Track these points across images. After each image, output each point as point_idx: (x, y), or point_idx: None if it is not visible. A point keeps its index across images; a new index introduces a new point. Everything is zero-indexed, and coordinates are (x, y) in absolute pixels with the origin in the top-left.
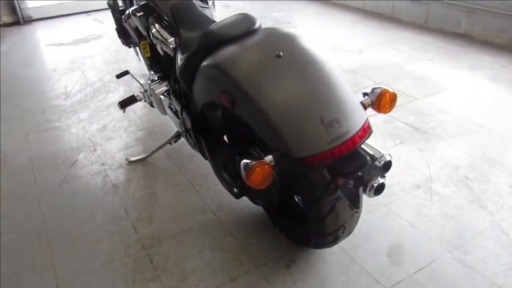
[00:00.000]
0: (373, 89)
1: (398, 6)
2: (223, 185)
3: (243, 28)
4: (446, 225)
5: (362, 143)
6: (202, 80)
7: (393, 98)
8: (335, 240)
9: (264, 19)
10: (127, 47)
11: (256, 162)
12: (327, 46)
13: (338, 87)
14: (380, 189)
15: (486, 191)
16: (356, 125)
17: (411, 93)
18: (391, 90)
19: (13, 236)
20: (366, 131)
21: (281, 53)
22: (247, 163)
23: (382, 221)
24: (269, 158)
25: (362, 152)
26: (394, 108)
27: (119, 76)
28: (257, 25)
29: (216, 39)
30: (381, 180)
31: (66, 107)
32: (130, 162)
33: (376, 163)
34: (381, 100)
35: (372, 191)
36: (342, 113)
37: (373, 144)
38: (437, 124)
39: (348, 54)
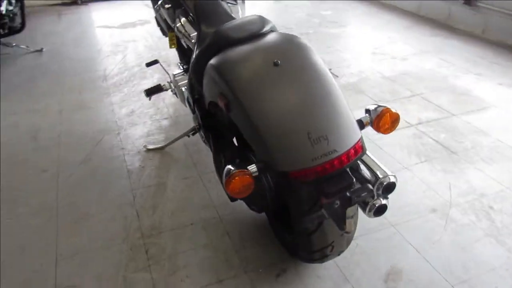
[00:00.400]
0: (376, 107)
1: (456, 13)
2: (222, 185)
3: (252, 30)
4: (455, 256)
5: (351, 164)
6: (207, 79)
7: (395, 119)
8: (323, 257)
9: (311, 16)
10: (165, 36)
11: (238, 170)
12: (369, 50)
13: (333, 102)
14: (380, 210)
15: (509, 226)
16: (346, 144)
17: (448, 109)
18: (394, 110)
19: (26, 209)
20: (357, 151)
21: (279, 61)
22: (229, 169)
23: (386, 242)
24: (252, 167)
25: (350, 172)
26: (426, 122)
27: (148, 64)
28: (266, 29)
29: (224, 39)
30: (383, 201)
31: (102, 89)
32: (148, 150)
33: (369, 185)
34: (381, 120)
35: (372, 212)
36: (331, 130)
37: (385, 161)
38: (470, 145)
39: (390, 61)
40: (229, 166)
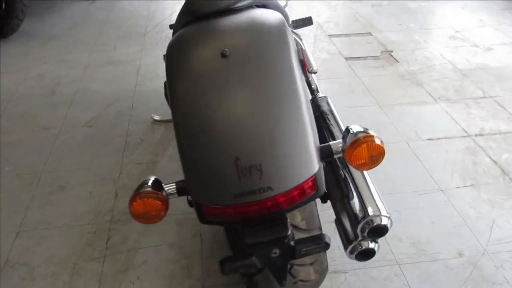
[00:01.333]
0: (358, 130)
1: None
2: None
3: (224, 4)
4: None
5: (292, 209)
6: None
7: (377, 154)
8: None
9: None
10: None
11: (150, 190)
12: (447, 33)
13: (284, 117)
14: (366, 255)
15: None
16: (288, 181)
17: None
18: (378, 141)
19: (13, 168)
20: (304, 193)
21: (228, 52)
22: (142, 185)
23: (383, 284)
24: (171, 188)
25: (287, 220)
26: (490, 135)
27: (172, 26)
28: (245, 3)
29: (189, 12)
30: (370, 245)
31: (137, 46)
32: (155, 121)
33: (325, 236)
34: (354, 151)
35: (354, 255)
36: (269, 159)
37: (418, 177)
38: None
39: (469, 49)
40: (146, 180)
